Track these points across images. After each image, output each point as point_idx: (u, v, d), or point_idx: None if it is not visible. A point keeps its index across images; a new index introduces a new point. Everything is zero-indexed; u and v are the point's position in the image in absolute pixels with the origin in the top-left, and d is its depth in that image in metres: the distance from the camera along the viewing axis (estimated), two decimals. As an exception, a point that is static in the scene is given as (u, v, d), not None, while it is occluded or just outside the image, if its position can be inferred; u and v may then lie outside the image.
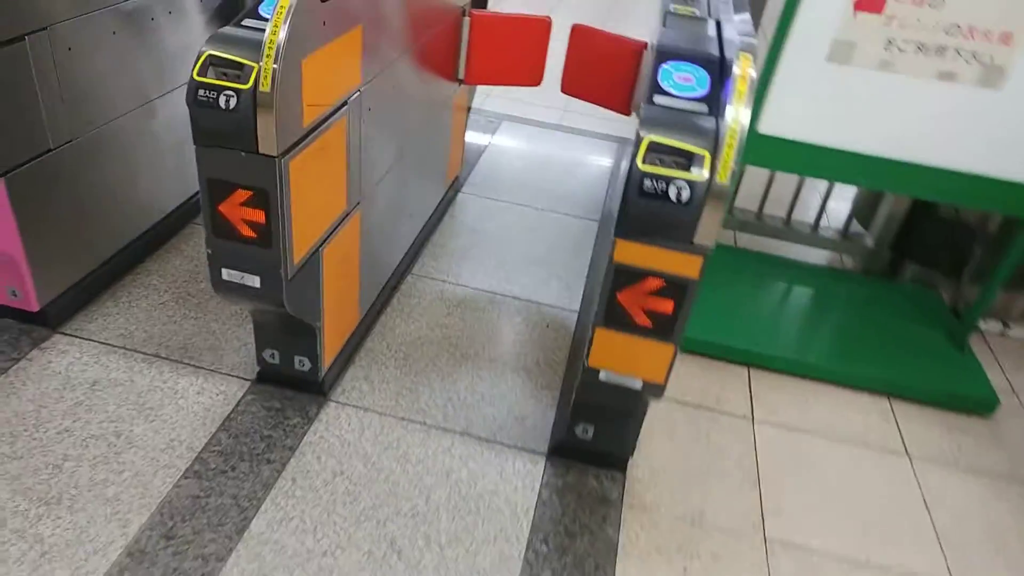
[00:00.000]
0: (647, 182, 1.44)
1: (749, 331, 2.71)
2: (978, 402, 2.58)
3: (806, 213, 3.43)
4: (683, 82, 1.64)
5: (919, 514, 2.19)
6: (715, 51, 1.77)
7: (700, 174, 1.44)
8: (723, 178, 1.43)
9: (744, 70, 1.48)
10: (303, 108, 1.65)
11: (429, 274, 2.85)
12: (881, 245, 3.09)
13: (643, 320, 1.63)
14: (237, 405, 2.17)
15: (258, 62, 1.50)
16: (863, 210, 3.21)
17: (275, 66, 1.49)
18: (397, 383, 2.33)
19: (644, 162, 1.45)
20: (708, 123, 1.53)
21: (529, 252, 3.07)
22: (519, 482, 2.06)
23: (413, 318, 2.61)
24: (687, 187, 1.44)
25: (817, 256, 3.34)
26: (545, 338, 2.61)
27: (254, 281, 1.78)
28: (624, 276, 1.58)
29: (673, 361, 1.67)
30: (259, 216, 1.68)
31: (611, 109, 3.02)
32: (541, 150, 3.96)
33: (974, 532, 2.15)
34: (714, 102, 1.60)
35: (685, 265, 1.53)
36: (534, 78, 3.04)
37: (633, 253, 1.55)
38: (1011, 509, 2.25)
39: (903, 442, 2.44)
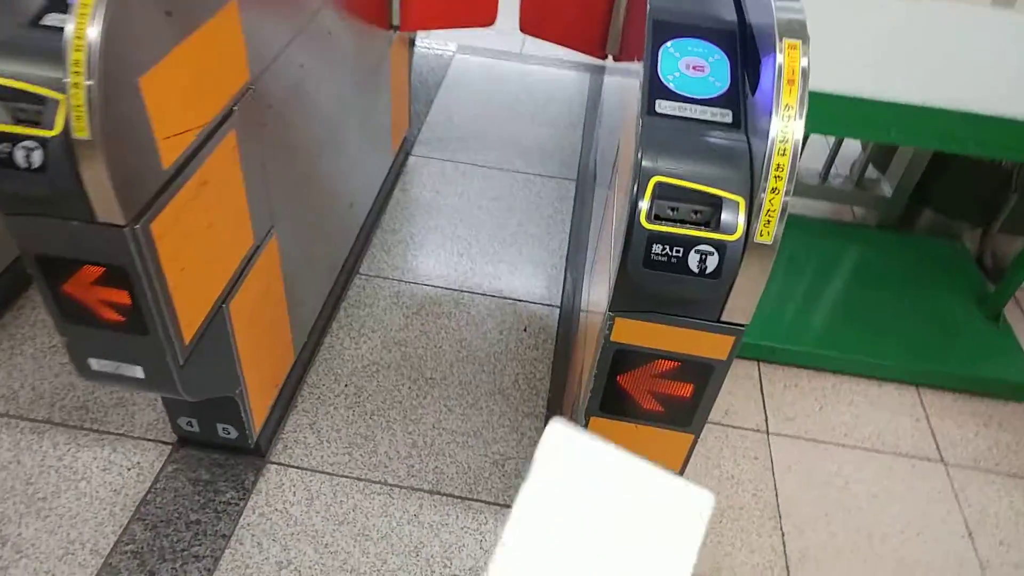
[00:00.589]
0: (656, 248, 1.00)
1: (756, 318, 2.32)
2: (1017, 388, 2.25)
3: (811, 160, 2.99)
4: (694, 73, 1.17)
5: (960, 545, 1.88)
6: (731, 15, 1.29)
7: (733, 231, 1.00)
8: (766, 236, 0.99)
9: (792, 62, 1.01)
10: (157, 145, 1.16)
11: (381, 272, 2.40)
12: (901, 193, 2.68)
13: (652, 405, 1.22)
14: (155, 481, 1.77)
15: (64, 91, 1.01)
16: (880, 154, 2.77)
17: (91, 96, 1.00)
18: (349, 429, 1.93)
19: (650, 218, 1.01)
20: (736, 142, 1.07)
21: (497, 230, 2.62)
22: (503, 555, 1.71)
23: (364, 335, 2.18)
24: (714, 252, 1.00)
25: (820, 209, 2.92)
26: (523, 346, 2.21)
27: (134, 371, 1.34)
28: (625, 358, 1.17)
29: (692, 449, 1.28)
30: (122, 297, 1.22)
31: (580, 51, 2.51)
32: (502, 90, 3.42)
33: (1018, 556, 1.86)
34: (737, 103, 1.14)
35: (709, 347, 1.11)
36: (486, 16, 2.51)
37: (637, 333, 1.13)
38: (1070, 522, 1.96)
39: (937, 445, 2.12)
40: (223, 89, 1.36)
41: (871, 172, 2.81)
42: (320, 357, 2.11)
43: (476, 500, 1.81)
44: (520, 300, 2.36)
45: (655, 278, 1.02)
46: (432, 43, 3.66)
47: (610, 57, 2.42)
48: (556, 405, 2.02)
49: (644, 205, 1.01)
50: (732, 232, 1.01)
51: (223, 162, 1.39)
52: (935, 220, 2.76)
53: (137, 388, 1.39)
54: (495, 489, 1.84)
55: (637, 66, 1.43)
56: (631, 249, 1.01)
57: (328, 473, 1.83)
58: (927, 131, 1.97)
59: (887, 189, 2.73)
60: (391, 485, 1.82)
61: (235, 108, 1.40)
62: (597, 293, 1.44)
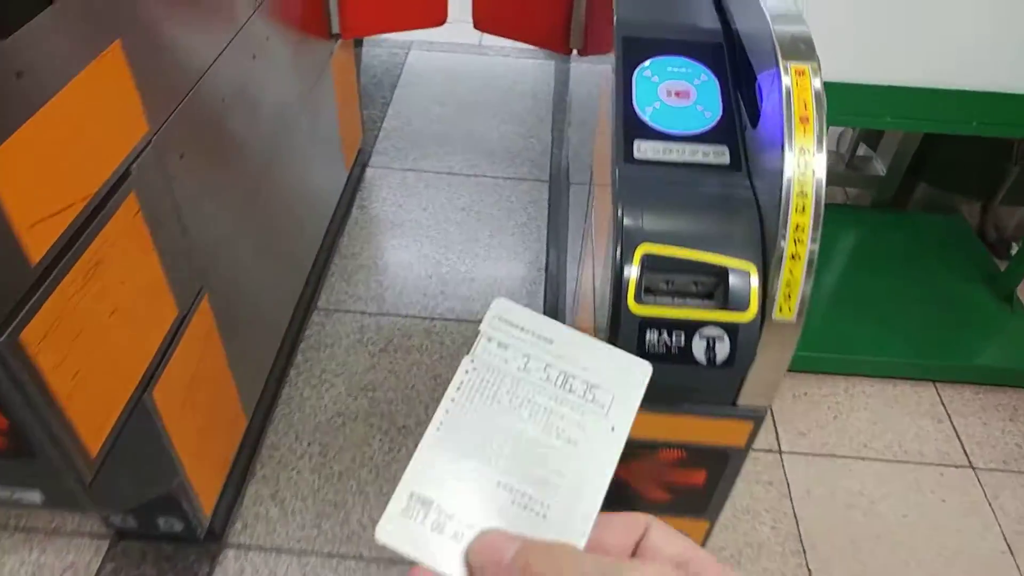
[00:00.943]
0: (650, 335, 0.80)
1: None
2: (1040, 376, 2.08)
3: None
4: (678, 101, 0.95)
5: (1002, 564, 1.72)
6: (712, 22, 1.07)
7: (745, 307, 0.80)
8: (787, 312, 0.79)
9: (803, 93, 0.80)
10: (20, 236, 0.93)
11: (341, 304, 2.18)
12: (896, 170, 2.48)
13: (660, 495, 1.03)
14: (95, 583, 1.56)
15: None
16: (871, 130, 2.57)
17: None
18: (316, 497, 1.73)
19: (640, 297, 0.80)
20: (738, 189, 0.86)
21: (467, 244, 2.40)
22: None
23: (326, 382, 1.97)
24: (724, 336, 0.80)
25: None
26: (503, 379, 2.00)
27: (32, 496, 1.12)
28: (625, 450, 0.96)
29: (708, 536, 1.09)
30: None
31: (541, 47, 2.28)
32: (462, 86, 3.18)
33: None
34: (734, 135, 0.93)
35: (724, 434, 0.91)
36: (435, 15, 2.27)
37: (635, 424, 0.92)
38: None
39: (963, 449, 1.94)
40: (113, 149, 1.12)
41: (862, 149, 2.61)
42: (278, 412, 1.89)
43: (464, 568, 1.62)
44: (497, 325, 2.14)
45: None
46: (384, 40, 3.39)
47: (574, 51, 2.19)
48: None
49: (631, 279, 0.80)
50: (744, 309, 0.80)
51: (123, 232, 1.16)
52: (930, 194, 2.57)
53: (44, 508, 1.18)
54: (484, 553, 1.64)
55: (607, 62, 1.21)
56: (619, 337, 0.81)
57: (295, 552, 1.63)
58: (923, 114, 1.78)
59: (880, 167, 2.53)
60: (368, 559, 1.63)
61: (133, 167, 1.17)
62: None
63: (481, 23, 2.24)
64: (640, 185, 0.85)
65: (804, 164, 0.77)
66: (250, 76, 1.62)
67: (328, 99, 2.23)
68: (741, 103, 0.95)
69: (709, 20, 1.08)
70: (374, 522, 1.56)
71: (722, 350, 0.80)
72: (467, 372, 0.42)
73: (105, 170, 1.10)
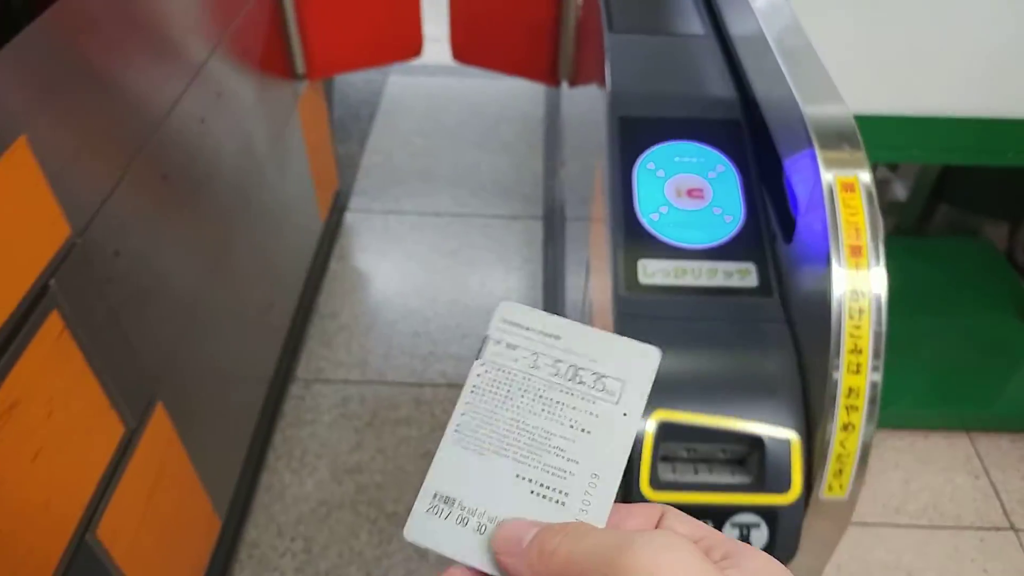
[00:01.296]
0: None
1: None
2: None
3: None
4: (691, 203, 0.78)
5: (1066, 643, 1.56)
6: (726, 88, 0.90)
7: (786, 487, 0.63)
8: (838, 490, 0.62)
9: (854, 217, 0.63)
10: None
11: (321, 373, 2.01)
12: (919, 194, 2.31)
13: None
14: None
15: None
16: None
17: None
18: (298, 604, 1.56)
19: (656, 480, 0.63)
20: (772, 324, 0.69)
21: (457, 294, 2.23)
22: None
23: (308, 466, 1.80)
24: (761, 524, 0.63)
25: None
26: (500, 451, 1.83)
27: None
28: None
29: None
30: None
31: (527, 78, 2.12)
32: (446, 113, 3.01)
33: None
34: (761, 247, 0.76)
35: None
36: (408, 48, 2.10)
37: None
38: None
39: (1003, 508, 1.78)
40: (22, 267, 0.96)
41: (880, 172, 2.44)
42: (258, 503, 1.72)
43: None
44: (492, 388, 1.98)
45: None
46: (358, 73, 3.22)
47: (564, 83, 2.02)
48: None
49: (644, 460, 0.63)
50: (784, 489, 0.63)
51: (45, 360, 0.99)
52: (952, 216, 2.40)
53: None
54: (486, 664, 1.47)
55: (599, 94, 1.05)
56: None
57: (277, 673, 1.46)
58: (953, 145, 1.61)
59: (902, 191, 2.36)
60: (357, 677, 1.46)
61: (52, 282, 1.00)
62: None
63: (461, 54, 2.07)
64: (649, 324, 0.68)
65: (857, 312, 0.60)
66: (200, 142, 1.46)
67: (297, 146, 2.07)
68: (768, 201, 0.79)
69: (722, 86, 0.91)
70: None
71: (759, 538, 0.63)
72: (478, 375, 0.43)
73: (12, 296, 0.94)
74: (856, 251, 0.61)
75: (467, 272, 2.30)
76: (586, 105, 1.36)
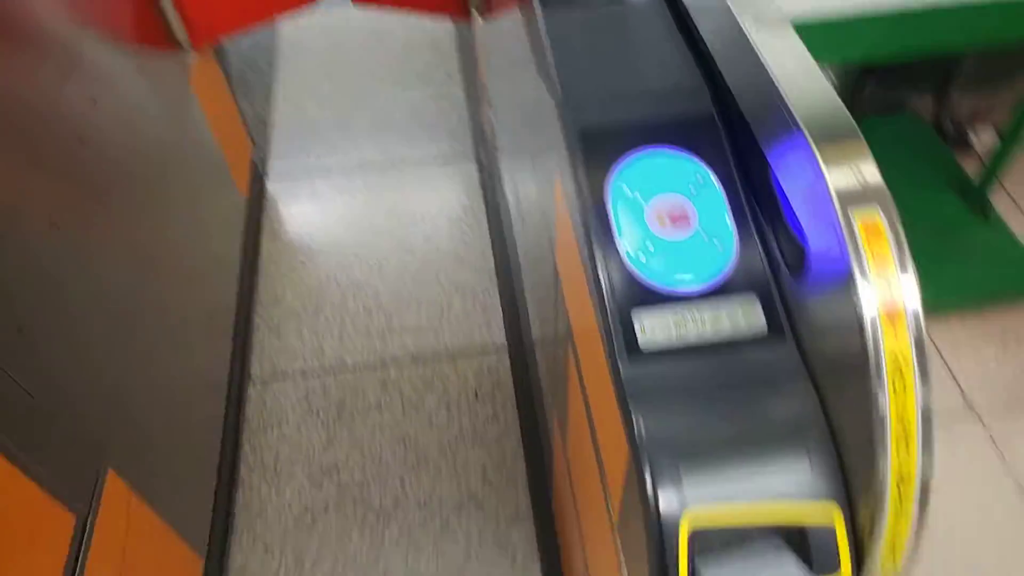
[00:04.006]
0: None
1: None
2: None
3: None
4: (676, 231, 0.69)
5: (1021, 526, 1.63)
6: (691, 74, 0.78)
7: (834, 569, 0.57)
8: (892, 567, 0.57)
9: (881, 249, 0.55)
10: None
11: (277, 368, 1.90)
12: (849, 76, 2.23)
13: None
14: None
15: None
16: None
17: None
18: (303, 621, 1.52)
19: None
20: (792, 382, 0.62)
21: (403, 257, 2.11)
22: None
23: (283, 473, 1.72)
24: (815, 612, 0.57)
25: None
26: (479, 420, 1.78)
27: None
28: None
29: None
30: None
31: (435, 15, 1.93)
32: (351, 49, 2.75)
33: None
34: (763, 274, 0.67)
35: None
36: (304, -4, 1.87)
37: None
38: None
39: (962, 392, 1.81)
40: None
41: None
42: (239, 523, 1.65)
43: (486, 668, 1.45)
44: (458, 354, 1.90)
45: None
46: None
47: (476, 16, 1.84)
48: (541, 493, 1.63)
49: (679, 571, 0.56)
50: (833, 571, 0.57)
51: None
52: (877, 95, 2.33)
53: None
54: (505, 645, 1.48)
55: (519, 23, 0.92)
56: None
57: None
58: (911, 38, 1.52)
59: (831, 76, 2.27)
60: None
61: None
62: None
63: (359, -4, 1.86)
64: (661, 407, 0.60)
65: (902, 392, 0.52)
66: (87, 138, 1.27)
67: (198, 123, 1.86)
68: (759, 210, 0.69)
69: (684, 68, 0.79)
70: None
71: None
72: None
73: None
74: (893, 320, 0.52)
75: (409, 230, 2.16)
76: (511, 49, 1.21)
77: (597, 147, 0.73)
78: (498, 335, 1.93)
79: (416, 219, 2.19)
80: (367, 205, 2.23)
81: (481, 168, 2.30)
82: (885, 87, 2.30)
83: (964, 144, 2.29)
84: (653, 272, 0.66)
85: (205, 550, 1.53)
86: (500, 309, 1.98)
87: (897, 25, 1.47)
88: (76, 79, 1.27)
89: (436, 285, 2.03)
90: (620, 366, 0.62)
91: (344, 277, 2.06)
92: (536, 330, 1.56)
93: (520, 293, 1.86)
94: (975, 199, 2.05)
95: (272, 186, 2.30)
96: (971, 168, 2.07)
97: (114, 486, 1.19)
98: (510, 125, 1.57)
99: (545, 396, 1.47)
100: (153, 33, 1.68)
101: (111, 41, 1.45)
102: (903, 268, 0.56)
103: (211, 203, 1.90)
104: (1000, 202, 2.16)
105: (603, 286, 0.65)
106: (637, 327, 0.64)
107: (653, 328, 0.64)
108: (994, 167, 1.94)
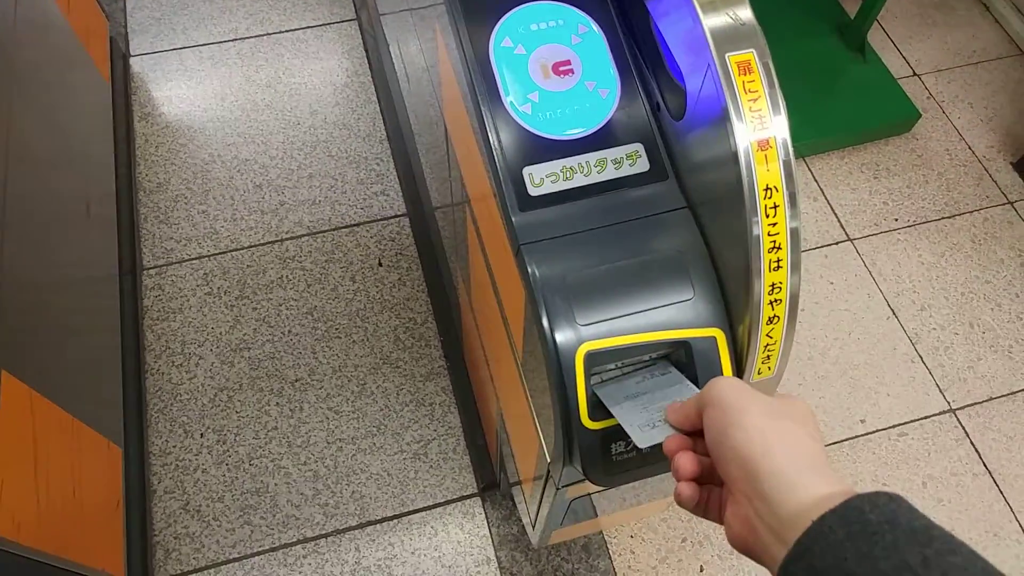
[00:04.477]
0: (616, 447, 0.65)
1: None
2: (896, 123, 2.09)
3: None
4: (561, 81, 0.70)
5: (891, 329, 1.84)
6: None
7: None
8: (767, 371, 0.65)
9: (751, 76, 0.59)
10: None
11: (169, 254, 1.84)
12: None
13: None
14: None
15: None
16: None
17: None
18: (233, 491, 1.58)
19: (594, 411, 0.64)
20: (673, 212, 0.67)
21: (289, 130, 2.03)
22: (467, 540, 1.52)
23: (191, 356, 1.72)
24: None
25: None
26: (386, 287, 1.81)
27: None
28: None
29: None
30: None
31: None
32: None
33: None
34: (645, 120, 0.70)
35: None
36: None
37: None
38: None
39: (839, 221, 1.98)
40: None
41: None
42: (153, 411, 1.65)
43: (414, 511, 1.57)
44: (358, 223, 1.89)
45: (626, 477, 0.67)
46: None
47: None
48: (453, 348, 1.71)
49: (580, 397, 0.63)
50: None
51: None
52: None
53: None
54: (429, 487, 1.59)
55: None
56: (583, 461, 0.65)
57: (234, 560, 1.51)
58: None
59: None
60: (312, 539, 1.54)
61: None
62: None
63: None
64: (552, 248, 0.64)
65: (773, 216, 0.57)
66: None
67: (43, 2, 1.67)
68: (642, 57, 0.71)
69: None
70: (305, 498, 1.45)
71: (699, 432, 0.66)
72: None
73: None
74: (765, 148, 0.57)
75: (292, 101, 2.07)
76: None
77: (478, 1, 0.72)
78: (396, 202, 1.92)
79: (298, 91, 2.09)
80: (243, 77, 2.11)
81: (363, 31, 2.20)
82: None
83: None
84: (539, 123, 0.68)
85: (122, 438, 1.53)
86: (396, 176, 1.96)
87: None
88: None
89: (327, 157, 1.98)
90: (511, 215, 0.65)
91: (229, 155, 1.98)
92: (434, 193, 1.57)
93: (415, 157, 1.85)
94: (853, 38, 2.12)
95: (136, 64, 2.13)
96: (851, 8, 2.14)
97: (10, 385, 1.17)
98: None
99: (449, 256, 1.50)
100: None
101: None
102: (774, 103, 0.60)
103: (72, 88, 1.75)
104: (876, 40, 2.26)
105: (491, 140, 0.67)
106: (527, 177, 0.67)
107: (542, 177, 0.67)
108: (871, 6, 2.01)
